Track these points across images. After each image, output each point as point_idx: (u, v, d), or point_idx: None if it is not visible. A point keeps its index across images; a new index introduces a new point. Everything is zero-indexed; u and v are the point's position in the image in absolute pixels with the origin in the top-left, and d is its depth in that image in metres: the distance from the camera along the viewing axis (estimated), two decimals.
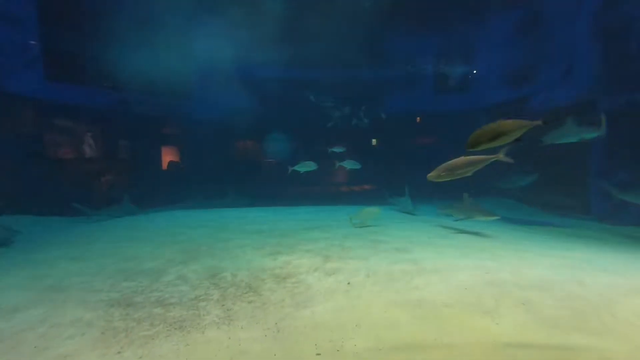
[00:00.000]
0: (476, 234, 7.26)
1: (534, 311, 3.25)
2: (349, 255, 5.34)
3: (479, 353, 2.61)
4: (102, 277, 4.54)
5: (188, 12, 13.64)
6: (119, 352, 2.71)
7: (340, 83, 17.06)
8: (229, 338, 2.91)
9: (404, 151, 17.48)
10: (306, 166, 10.84)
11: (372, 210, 8.21)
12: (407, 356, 2.60)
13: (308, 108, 17.01)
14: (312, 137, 17.54)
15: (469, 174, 3.98)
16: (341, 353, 2.66)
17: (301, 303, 3.60)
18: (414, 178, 10.09)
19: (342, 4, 13.56)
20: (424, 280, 4.11)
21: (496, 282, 3.98)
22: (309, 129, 17.27)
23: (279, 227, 8.08)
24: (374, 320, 3.18)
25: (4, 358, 2.69)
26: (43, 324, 3.22)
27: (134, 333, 3.02)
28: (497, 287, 3.84)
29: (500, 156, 3.87)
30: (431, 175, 4.06)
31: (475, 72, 17.03)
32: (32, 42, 11.74)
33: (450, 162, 3.99)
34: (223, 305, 3.58)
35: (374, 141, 18.91)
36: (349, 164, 11.80)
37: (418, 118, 18.37)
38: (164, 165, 16.63)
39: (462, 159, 3.97)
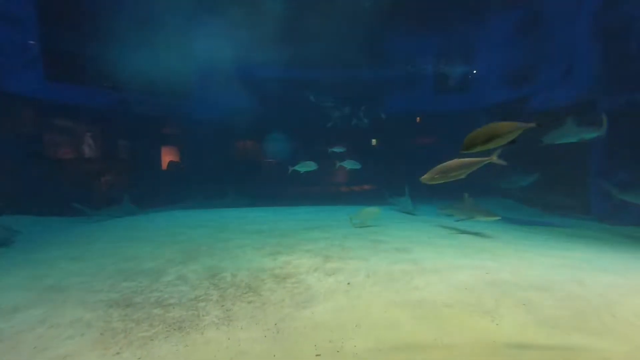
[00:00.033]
0: (476, 234, 7.26)
1: (534, 311, 3.25)
2: (349, 256, 5.34)
3: (479, 353, 2.61)
4: (102, 277, 4.53)
5: (188, 12, 13.63)
6: (117, 353, 2.71)
7: (340, 83, 17.05)
8: (229, 339, 2.90)
9: (404, 151, 17.47)
10: (307, 166, 10.84)
11: (372, 210, 8.21)
12: (407, 356, 2.60)
13: (308, 108, 17.00)
14: (312, 137, 17.53)
15: (463, 176, 3.97)
16: (341, 353, 2.65)
17: (301, 303, 3.59)
18: (414, 178, 10.07)
19: (342, 4, 13.56)
20: (424, 281, 4.11)
21: (496, 282, 3.98)
22: (309, 129, 17.26)
23: (279, 227, 8.08)
24: (374, 320, 3.18)
25: (4, 358, 2.69)
26: (42, 324, 3.21)
27: (133, 334, 3.01)
28: (497, 287, 3.84)
29: (494, 158, 3.87)
30: (424, 178, 4.05)
31: (475, 72, 17.03)
32: (32, 42, 11.74)
33: (443, 164, 3.99)
34: (222, 305, 3.57)
35: (373, 141, 18.91)
36: (349, 164, 11.80)
37: (418, 118, 18.37)
38: (164, 165, 16.63)
39: (455, 161, 3.97)
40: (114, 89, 13.68)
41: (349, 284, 4.11)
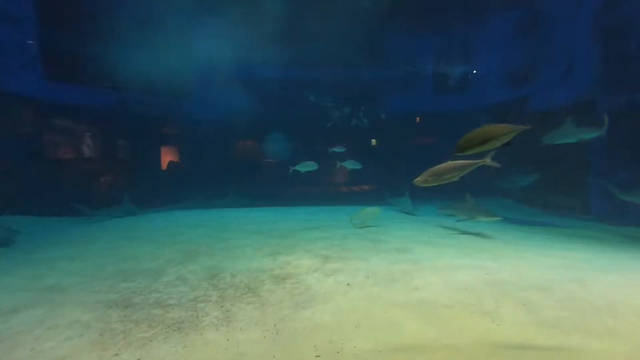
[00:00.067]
0: (476, 234, 7.25)
1: (535, 312, 3.24)
2: (349, 256, 5.33)
3: (479, 354, 2.60)
4: (101, 277, 4.53)
5: (188, 12, 13.62)
6: (116, 354, 2.70)
7: (340, 83, 17.05)
8: (228, 340, 2.90)
9: (404, 151, 17.47)
10: (307, 166, 10.84)
11: (372, 211, 8.20)
12: (407, 357, 2.59)
13: (308, 108, 17.00)
14: (312, 137, 17.53)
15: (456, 178, 3.96)
16: (341, 354, 2.65)
17: (301, 304, 3.58)
18: (414, 178, 10.06)
19: (342, 4, 13.55)
20: (424, 281, 4.10)
21: (496, 283, 3.97)
22: (309, 129, 17.26)
23: (279, 228, 8.07)
24: (374, 321, 3.17)
25: (3, 359, 2.68)
26: (42, 325, 3.20)
27: (132, 335, 3.00)
28: (497, 287, 3.83)
29: (487, 160, 3.87)
30: (418, 180, 4.03)
31: (475, 72, 17.02)
32: (31, 42, 11.73)
33: (437, 166, 3.97)
34: (222, 306, 3.56)
35: (373, 141, 18.90)
36: (350, 164, 11.81)
37: (418, 118, 18.37)
38: (164, 165, 16.63)
39: (449, 163, 3.95)
40: (113, 89, 13.68)
41: (348, 284, 4.10)
